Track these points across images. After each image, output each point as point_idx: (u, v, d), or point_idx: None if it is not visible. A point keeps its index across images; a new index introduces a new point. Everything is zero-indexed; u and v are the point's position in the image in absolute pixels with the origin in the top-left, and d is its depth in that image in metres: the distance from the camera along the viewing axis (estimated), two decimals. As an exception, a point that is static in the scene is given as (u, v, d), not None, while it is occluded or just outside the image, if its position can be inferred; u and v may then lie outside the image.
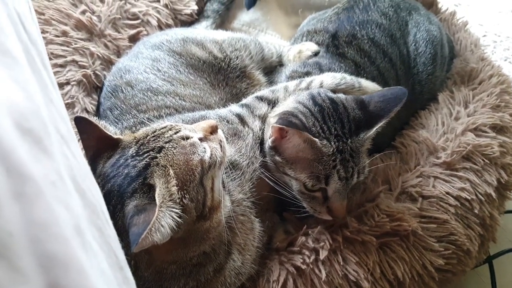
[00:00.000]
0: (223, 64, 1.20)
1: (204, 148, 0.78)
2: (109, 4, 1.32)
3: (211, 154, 0.78)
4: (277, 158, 0.98)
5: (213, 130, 0.83)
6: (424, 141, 1.16)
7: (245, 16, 1.54)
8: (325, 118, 0.95)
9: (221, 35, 1.29)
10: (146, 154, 0.74)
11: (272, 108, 1.07)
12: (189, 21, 1.51)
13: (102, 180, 0.75)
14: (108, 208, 0.55)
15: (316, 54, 1.24)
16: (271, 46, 1.35)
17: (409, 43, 1.26)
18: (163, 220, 0.66)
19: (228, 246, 0.88)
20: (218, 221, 0.80)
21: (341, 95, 1.01)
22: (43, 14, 1.19)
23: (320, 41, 1.27)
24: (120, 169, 0.74)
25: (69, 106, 1.12)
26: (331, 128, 0.94)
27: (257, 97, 1.08)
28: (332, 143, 0.92)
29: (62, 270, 0.34)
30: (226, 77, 1.20)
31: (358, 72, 1.18)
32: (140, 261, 0.74)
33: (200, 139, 0.79)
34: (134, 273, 0.70)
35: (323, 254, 0.96)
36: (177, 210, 0.69)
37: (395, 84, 1.22)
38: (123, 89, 1.09)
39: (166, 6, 1.45)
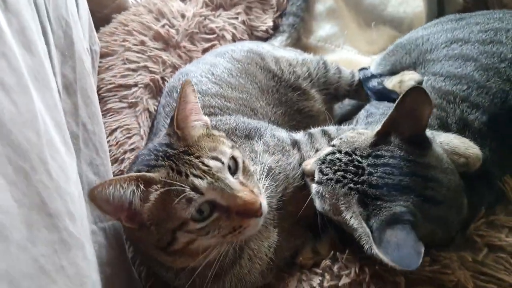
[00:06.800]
0: (278, 74, 1.19)
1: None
2: (189, 19, 1.43)
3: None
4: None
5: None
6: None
7: (321, 32, 1.50)
8: None
9: (284, 53, 1.29)
10: None
11: None
12: (265, 37, 1.53)
13: None
14: None
15: (420, 83, 1.08)
16: (346, 72, 1.28)
17: None
18: None
19: (240, 249, 0.83)
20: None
21: None
22: (127, 26, 1.34)
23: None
24: None
25: (132, 105, 1.22)
26: None
27: (323, 130, 1.04)
28: None
29: None
30: (278, 84, 1.18)
31: None
32: None
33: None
34: None
35: (343, 281, 0.83)
36: None
37: None
38: (178, 89, 1.14)
39: (243, 22, 1.50)
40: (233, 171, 0.78)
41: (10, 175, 0.47)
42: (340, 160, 0.82)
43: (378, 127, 0.83)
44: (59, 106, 0.66)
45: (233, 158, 0.79)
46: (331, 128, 1.05)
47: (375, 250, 0.71)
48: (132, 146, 1.14)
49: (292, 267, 0.93)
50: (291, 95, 1.17)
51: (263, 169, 0.89)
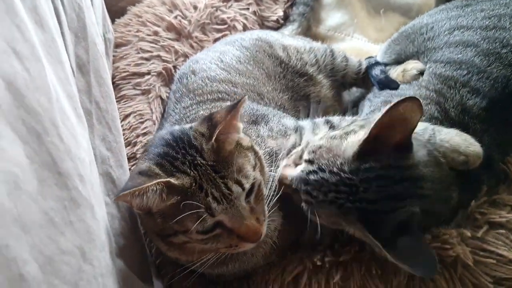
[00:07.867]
0: (285, 60, 1.22)
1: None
2: (201, 10, 1.47)
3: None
4: None
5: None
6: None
7: (331, 21, 1.52)
8: None
9: (292, 41, 1.31)
10: None
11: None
12: (275, 27, 1.55)
13: None
14: None
15: (421, 73, 1.09)
16: (353, 60, 1.29)
17: None
18: None
19: None
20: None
21: None
22: (141, 17, 1.39)
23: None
24: None
25: (145, 92, 1.27)
26: None
27: (326, 120, 1.06)
28: None
29: None
30: (285, 70, 1.20)
31: None
32: None
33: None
34: None
35: (343, 257, 0.86)
36: None
37: None
38: (188, 76, 1.19)
39: (254, 13, 1.53)
40: (247, 193, 0.77)
41: (23, 134, 0.51)
42: (327, 180, 0.76)
43: (365, 133, 0.75)
44: (71, 80, 0.70)
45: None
46: (335, 118, 1.06)
47: (392, 260, 0.70)
48: (144, 131, 1.19)
49: (295, 246, 0.95)
50: (298, 80, 1.20)
51: (269, 154, 0.92)
